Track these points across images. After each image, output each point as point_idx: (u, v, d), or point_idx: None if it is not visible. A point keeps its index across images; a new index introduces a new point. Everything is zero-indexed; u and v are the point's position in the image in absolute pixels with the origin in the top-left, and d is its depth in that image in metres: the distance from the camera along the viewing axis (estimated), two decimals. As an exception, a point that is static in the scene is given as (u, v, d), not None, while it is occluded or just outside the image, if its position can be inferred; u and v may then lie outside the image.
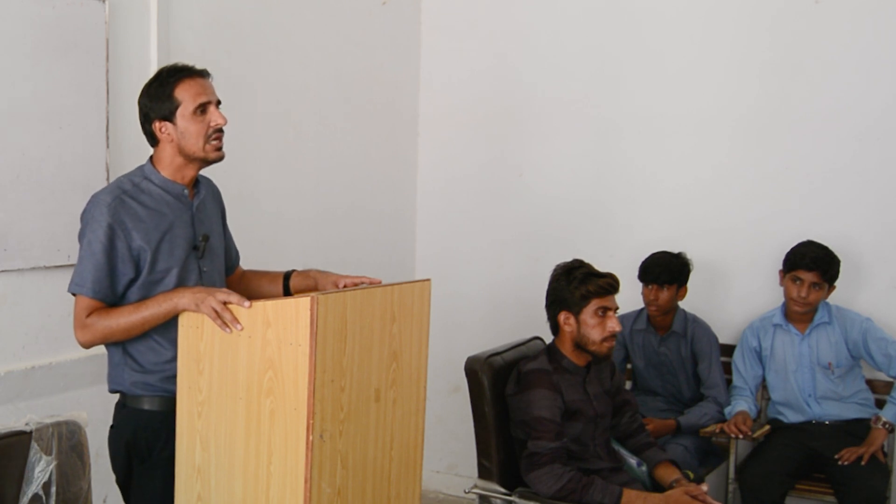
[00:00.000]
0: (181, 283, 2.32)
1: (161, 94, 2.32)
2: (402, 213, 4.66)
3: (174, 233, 2.33)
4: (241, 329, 2.13)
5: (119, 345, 2.31)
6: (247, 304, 2.13)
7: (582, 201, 4.29)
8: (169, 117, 2.31)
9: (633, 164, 4.18)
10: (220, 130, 2.35)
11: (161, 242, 2.29)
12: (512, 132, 4.46)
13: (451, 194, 4.64)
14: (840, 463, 3.33)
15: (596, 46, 4.24)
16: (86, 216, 2.29)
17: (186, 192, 2.39)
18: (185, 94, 2.31)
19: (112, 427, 2.39)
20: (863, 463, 3.31)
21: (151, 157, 2.39)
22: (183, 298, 2.20)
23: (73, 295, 2.29)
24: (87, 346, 2.29)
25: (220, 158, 2.38)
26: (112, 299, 2.27)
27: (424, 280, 2.51)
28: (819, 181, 3.81)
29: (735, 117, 3.97)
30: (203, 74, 2.37)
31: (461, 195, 4.61)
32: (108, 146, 2.98)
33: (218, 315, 2.14)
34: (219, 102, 2.37)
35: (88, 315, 2.25)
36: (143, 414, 2.32)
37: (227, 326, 2.14)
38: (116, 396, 2.39)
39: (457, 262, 4.60)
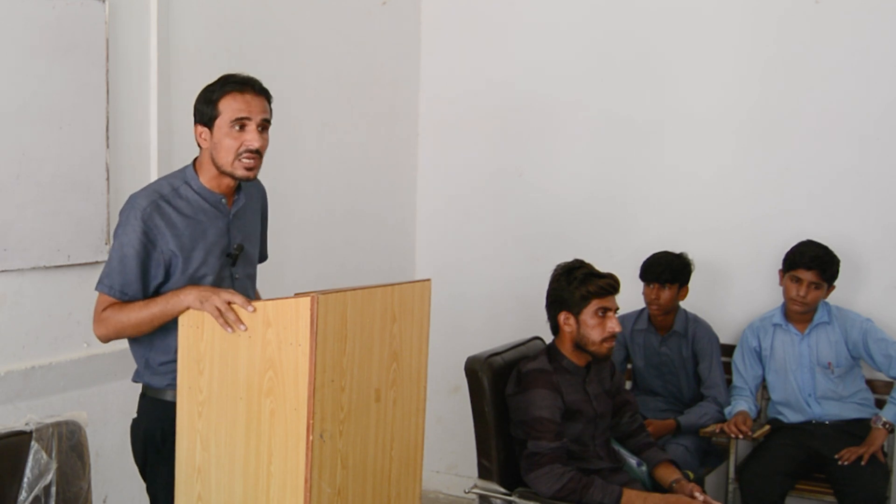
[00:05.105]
0: None
1: (208, 100, 2.30)
2: (402, 213, 4.66)
3: (208, 240, 2.33)
4: (245, 329, 2.13)
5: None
6: (251, 308, 2.12)
7: (582, 201, 4.29)
8: (209, 124, 2.30)
9: (634, 164, 4.17)
10: (254, 152, 2.28)
11: (194, 251, 2.30)
12: (512, 132, 4.45)
13: (451, 195, 4.63)
14: (840, 463, 3.33)
15: (596, 46, 4.23)
16: (122, 216, 2.30)
17: (224, 200, 2.38)
18: (228, 107, 2.27)
19: (134, 418, 2.42)
20: (863, 463, 3.30)
21: (195, 160, 2.38)
22: (188, 296, 2.20)
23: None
24: (102, 339, 2.33)
25: (248, 179, 2.33)
26: (142, 299, 2.29)
27: (424, 280, 2.51)
28: (820, 182, 3.80)
29: (736, 118, 3.96)
30: (257, 91, 2.31)
31: (461, 196, 4.60)
32: (108, 146, 2.98)
33: (221, 314, 2.13)
34: (265, 124, 2.31)
35: (104, 310, 2.28)
36: (161, 404, 2.34)
37: (230, 326, 2.13)
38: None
39: (457, 263, 4.60)
